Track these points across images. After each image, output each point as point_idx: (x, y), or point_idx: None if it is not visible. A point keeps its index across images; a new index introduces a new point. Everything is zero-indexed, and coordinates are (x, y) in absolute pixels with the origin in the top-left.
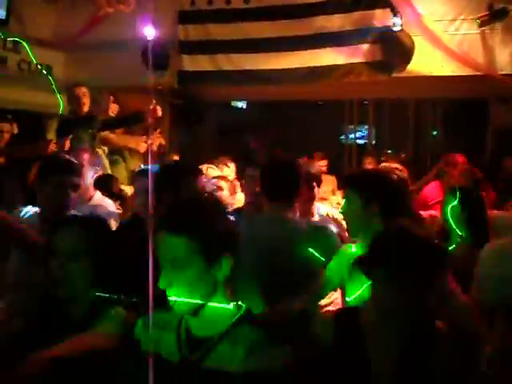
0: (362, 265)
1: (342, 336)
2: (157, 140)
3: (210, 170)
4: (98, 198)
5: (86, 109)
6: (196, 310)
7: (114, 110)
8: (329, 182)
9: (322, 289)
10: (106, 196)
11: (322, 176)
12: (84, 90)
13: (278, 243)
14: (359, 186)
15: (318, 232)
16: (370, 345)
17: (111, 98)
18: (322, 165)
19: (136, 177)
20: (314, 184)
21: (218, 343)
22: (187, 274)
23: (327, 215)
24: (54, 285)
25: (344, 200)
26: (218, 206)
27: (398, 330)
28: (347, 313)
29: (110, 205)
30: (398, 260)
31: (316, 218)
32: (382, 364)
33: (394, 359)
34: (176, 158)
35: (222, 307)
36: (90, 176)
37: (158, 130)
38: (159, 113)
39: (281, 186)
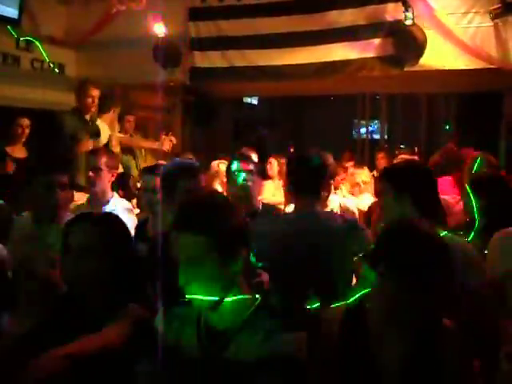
0: (368, 261)
1: (348, 334)
2: (167, 143)
3: (222, 166)
4: (116, 201)
5: (93, 109)
6: (214, 306)
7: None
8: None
9: (361, 284)
10: (122, 195)
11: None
12: (96, 92)
13: (315, 239)
14: (391, 178)
15: (353, 226)
16: (375, 344)
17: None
18: (350, 165)
19: (141, 175)
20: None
21: (237, 334)
22: (204, 271)
23: (340, 205)
24: (69, 282)
25: (380, 193)
26: (228, 202)
27: (401, 329)
28: (354, 311)
29: (128, 207)
30: (399, 258)
31: (331, 208)
32: (388, 364)
33: (399, 359)
34: (190, 156)
35: (239, 300)
36: (107, 179)
37: (170, 134)
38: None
39: (309, 178)
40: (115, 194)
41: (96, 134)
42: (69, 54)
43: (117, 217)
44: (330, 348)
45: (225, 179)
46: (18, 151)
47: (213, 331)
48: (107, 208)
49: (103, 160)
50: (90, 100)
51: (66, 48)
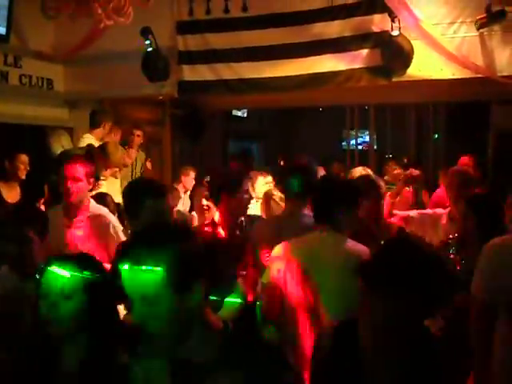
0: (360, 275)
1: (339, 349)
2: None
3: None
4: (93, 206)
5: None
6: (180, 340)
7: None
8: None
9: None
10: None
11: None
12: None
13: (343, 263)
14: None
15: None
16: (367, 359)
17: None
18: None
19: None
20: None
21: (212, 368)
22: (159, 308)
23: None
24: (45, 323)
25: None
26: (185, 229)
27: (392, 345)
28: (346, 325)
29: (107, 211)
30: (391, 276)
31: None
32: (378, 379)
33: (391, 374)
34: (191, 170)
35: (207, 333)
36: (86, 189)
37: (149, 160)
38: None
39: (327, 205)
40: (92, 201)
41: (96, 177)
42: (57, 69)
43: (94, 258)
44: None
45: None
46: (10, 192)
47: (184, 365)
48: (86, 216)
49: (81, 170)
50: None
51: (54, 63)
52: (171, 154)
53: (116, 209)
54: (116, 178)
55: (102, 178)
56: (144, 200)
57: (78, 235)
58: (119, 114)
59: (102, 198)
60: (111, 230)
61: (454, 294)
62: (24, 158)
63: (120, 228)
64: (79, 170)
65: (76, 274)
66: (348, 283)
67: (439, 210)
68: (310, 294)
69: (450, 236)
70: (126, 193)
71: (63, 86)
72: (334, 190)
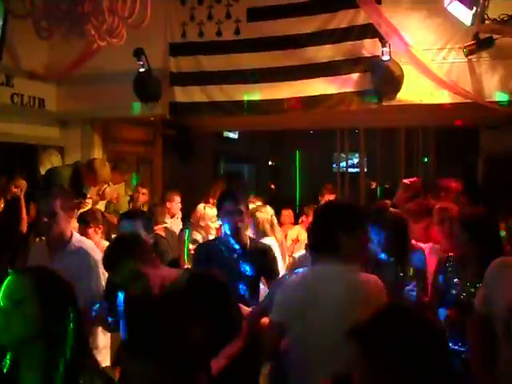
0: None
1: None
2: (141, 197)
3: (208, 210)
4: (76, 240)
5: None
6: None
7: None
8: None
9: None
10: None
11: None
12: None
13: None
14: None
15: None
16: None
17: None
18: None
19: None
20: None
21: None
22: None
23: None
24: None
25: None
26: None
27: None
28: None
29: (90, 245)
30: (383, 339)
31: None
32: None
33: None
34: (177, 196)
35: None
36: (64, 222)
37: (140, 188)
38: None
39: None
40: (74, 233)
41: (83, 195)
42: (49, 89)
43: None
44: None
45: (209, 222)
46: None
47: None
48: (69, 249)
49: (58, 203)
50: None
51: (47, 82)
52: (162, 174)
53: (106, 223)
54: (104, 196)
55: (88, 196)
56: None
57: (60, 269)
58: (110, 134)
59: (93, 217)
60: (92, 265)
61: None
62: (22, 183)
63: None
64: (55, 204)
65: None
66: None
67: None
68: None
69: (450, 254)
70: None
71: (55, 106)
72: (335, 215)
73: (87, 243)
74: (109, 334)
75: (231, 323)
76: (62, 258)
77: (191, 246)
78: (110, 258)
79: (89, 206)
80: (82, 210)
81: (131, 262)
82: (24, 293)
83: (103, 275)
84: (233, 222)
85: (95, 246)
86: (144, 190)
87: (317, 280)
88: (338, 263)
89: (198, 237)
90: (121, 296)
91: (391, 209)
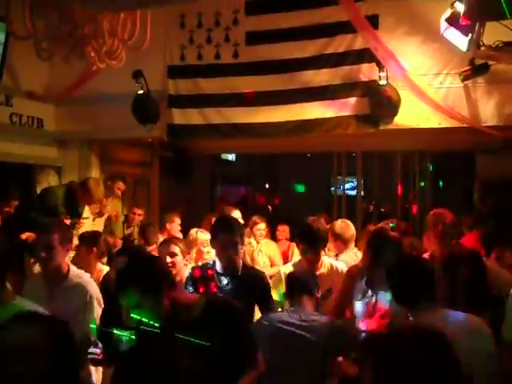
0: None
1: None
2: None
3: (200, 234)
4: (74, 274)
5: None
6: None
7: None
8: None
9: None
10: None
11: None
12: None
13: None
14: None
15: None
16: None
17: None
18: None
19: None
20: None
21: None
22: None
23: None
24: None
25: None
26: None
27: None
28: None
29: (87, 279)
30: (383, 357)
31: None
32: None
33: None
34: (177, 218)
35: None
36: (61, 256)
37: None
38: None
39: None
40: (71, 267)
41: (77, 215)
42: (48, 109)
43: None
44: None
45: (202, 247)
46: None
47: None
48: (66, 285)
49: (56, 237)
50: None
51: (46, 103)
52: (159, 196)
53: (107, 248)
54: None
55: (84, 216)
56: None
57: (57, 305)
58: (108, 155)
59: (93, 239)
60: (89, 300)
61: None
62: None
63: (100, 298)
64: (53, 238)
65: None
66: None
67: None
68: None
69: None
70: None
71: (53, 126)
72: None
73: (85, 277)
74: (100, 370)
75: (246, 352)
76: (62, 294)
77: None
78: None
79: (84, 226)
80: (78, 231)
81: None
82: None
83: (99, 307)
84: (225, 255)
85: (91, 278)
86: (139, 211)
87: None
88: None
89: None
90: (116, 335)
91: None
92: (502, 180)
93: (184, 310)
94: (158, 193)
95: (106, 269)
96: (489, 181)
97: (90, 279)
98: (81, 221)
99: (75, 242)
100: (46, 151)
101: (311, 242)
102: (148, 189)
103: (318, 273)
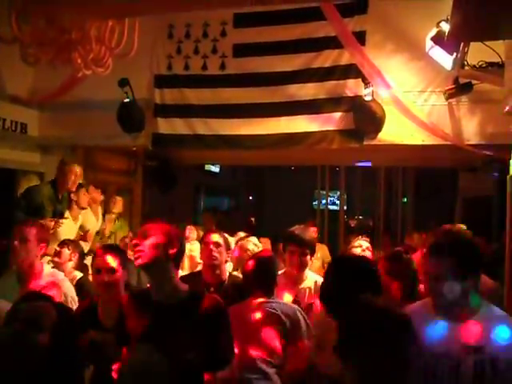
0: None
1: None
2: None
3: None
4: (48, 273)
5: (71, 187)
6: None
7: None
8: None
9: None
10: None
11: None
12: (78, 170)
13: None
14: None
15: None
16: None
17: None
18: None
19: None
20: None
21: None
22: None
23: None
24: None
25: None
26: None
27: None
28: None
29: (61, 278)
30: (361, 347)
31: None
32: None
33: None
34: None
35: None
36: (34, 252)
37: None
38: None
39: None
40: (45, 266)
41: (60, 213)
42: (32, 114)
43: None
44: None
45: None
46: None
47: None
48: (40, 282)
49: (33, 231)
50: (72, 177)
51: (30, 108)
52: (142, 205)
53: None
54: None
55: (65, 216)
56: None
57: None
58: (91, 162)
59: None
60: (62, 299)
61: None
62: None
63: (74, 296)
64: (30, 231)
65: None
66: None
67: None
68: None
69: None
70: None
71: (37, 131)
72: None
73: (58, 276)
74: None
75: (220, 350)
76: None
77: None
78: None
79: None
80: (57, 230)
81: None
82: None
83: (74, 306)
84: (206, 257)
85: (65, 276)
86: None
87: None
88: None
89: None
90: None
91: None
92: (483, 197)
93: None
94: (140, 201)
95: (79, 275)
96: (471, 198)
97: (64, 277)
98: (61, 220)
99: (55, 246)
100: (29, 156)
101: (301, 242)
102: (131, 197)
103: (300, 286)
